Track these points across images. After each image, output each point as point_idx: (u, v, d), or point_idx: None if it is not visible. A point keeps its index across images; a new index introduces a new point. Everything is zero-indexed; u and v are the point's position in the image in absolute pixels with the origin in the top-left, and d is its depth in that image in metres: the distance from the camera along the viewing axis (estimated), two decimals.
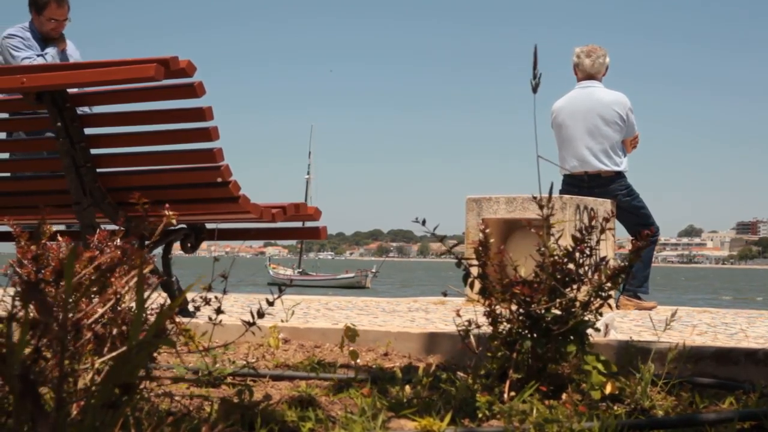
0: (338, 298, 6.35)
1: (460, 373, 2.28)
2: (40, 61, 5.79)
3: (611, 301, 2.20)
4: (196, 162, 3.87)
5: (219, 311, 2.00)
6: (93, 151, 3.92)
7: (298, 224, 4.43)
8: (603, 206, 6.93)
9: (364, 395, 2.35)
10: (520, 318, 2.09)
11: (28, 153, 4.62)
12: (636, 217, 7.06)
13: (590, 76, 7.27)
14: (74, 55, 6.25)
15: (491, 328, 2.20)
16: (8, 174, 4.27)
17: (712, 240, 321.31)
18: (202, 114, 3.74)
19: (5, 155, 4.31)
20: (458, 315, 2.26)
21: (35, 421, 1.18)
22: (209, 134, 3.75)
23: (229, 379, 2.53)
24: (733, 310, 6.31)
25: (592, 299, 2.09)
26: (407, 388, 2.24)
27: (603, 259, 2.12)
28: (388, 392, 2.22)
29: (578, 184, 7.15)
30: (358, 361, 2.96)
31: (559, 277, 2.09)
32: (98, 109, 4.15)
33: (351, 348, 2.82)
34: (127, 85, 3.73)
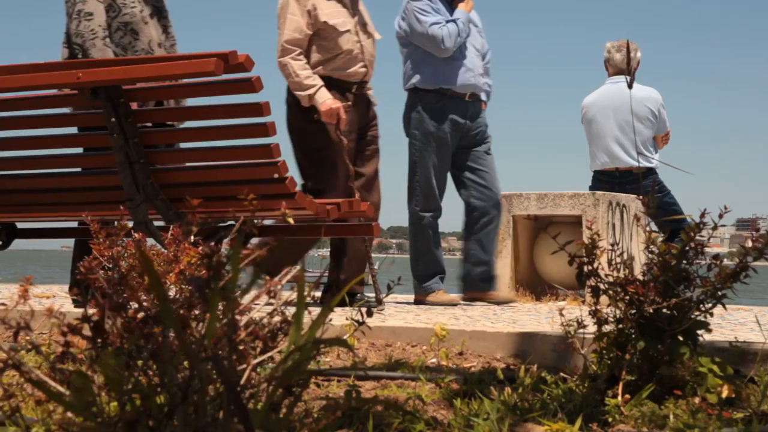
0: (368, 295, 6.29)
1: (561, 374, 2.23)
2: (449, 27, 5.29)
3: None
4: (251, 158, 3.82)
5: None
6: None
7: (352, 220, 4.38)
8: (635, 203, 6.89)
9: (456, 395, 2.30)
10: (631, 318, 2.05)
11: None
12: (667, 214, 7.02)
13: (621, 72, 7.22)
14: (479, 24, 5.67)
15: (596, 328, 2.15)
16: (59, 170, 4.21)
17: (711, 237, 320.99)
18: (260, 109, 3.69)
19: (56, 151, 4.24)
20: (561, 314, 2.21)
21: (235, 412, 1.14)
22: (266, 130, 3.70)
23: (312, 378, 2.49)
24: (761, 307, 6.25)
25: (705, 299, 2.05)
26: (507, 389, 2.19)
27: (716, 256, 2.07)
28: (490, 393, 2.17)
29: (609, 180, 7.12)
30: (433, 360, 2.92)
31: (671, 275, 2.05)
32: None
33: (441, 348, 2.78)
34: (184, 80, 3.70)
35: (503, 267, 6.92)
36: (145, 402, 1.25)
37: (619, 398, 1.96)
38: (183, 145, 4.06)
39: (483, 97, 5.61)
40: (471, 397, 2.22)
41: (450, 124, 5.41)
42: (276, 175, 3.74)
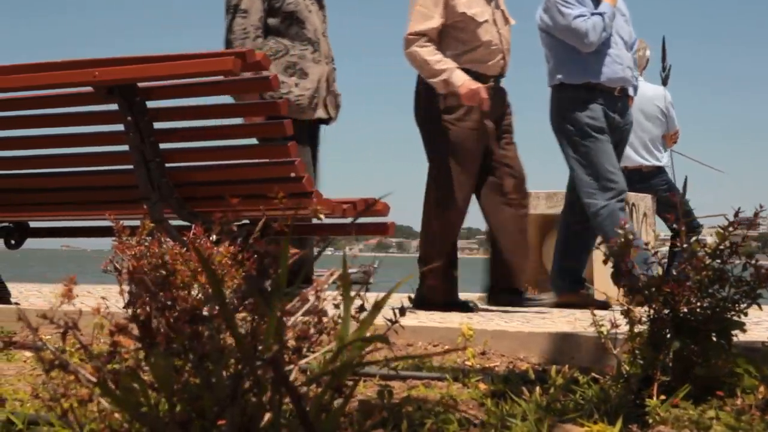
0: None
1: (593, 375, 2.22)
2: (594, 20, 4.95)
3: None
4: (268, 157, 3.82)
5: (362, 309, 1.93)
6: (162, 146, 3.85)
7: (366, 219, 4.37)
8: (644, 201, 6.88)
9: (485, 396, 2.29)
10: (666, 318, 2.03)
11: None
12: (676, 213, 7.00)
13: None
14: (626, 12, 5.32)
15: (629, 327, 2.14)
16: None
17: (711, 235, 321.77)
18: (277, 107, 3.68)
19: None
20: (593, 314, 2.20)
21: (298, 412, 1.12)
22: (283, 128, 3.69)
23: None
24: None
25: (741, 299, 2.03)
26: (538, 390, 2.17)
27: (750, 255, 2.06)
28: (521, 393, 2.15)
29: None
30: (457, 359, 2.91)
31: (704, 274, 2.03)
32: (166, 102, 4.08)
33: (468, 347, 2.76)
34: (200, 78, 3.68)
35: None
36: (196, 402, 1.23)
37: (654, 399, 1.94)
38: (200, 144, 4.04)
39: (630, 92, 5.29)
40: (501, 397, 2.20)
41: (603, 116, 5.08)
42: (293, 174, 3.72)
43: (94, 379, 1.26)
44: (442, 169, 4.67)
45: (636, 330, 2.13)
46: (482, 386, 2.41)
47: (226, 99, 3.84)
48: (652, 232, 7.11)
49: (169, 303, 1.35)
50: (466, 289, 5.73)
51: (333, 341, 1.49)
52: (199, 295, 1.61)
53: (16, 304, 4.54)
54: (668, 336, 2.05)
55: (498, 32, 4.75)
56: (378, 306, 1.36)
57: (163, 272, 1.39)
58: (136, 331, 1.31)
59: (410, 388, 2.43)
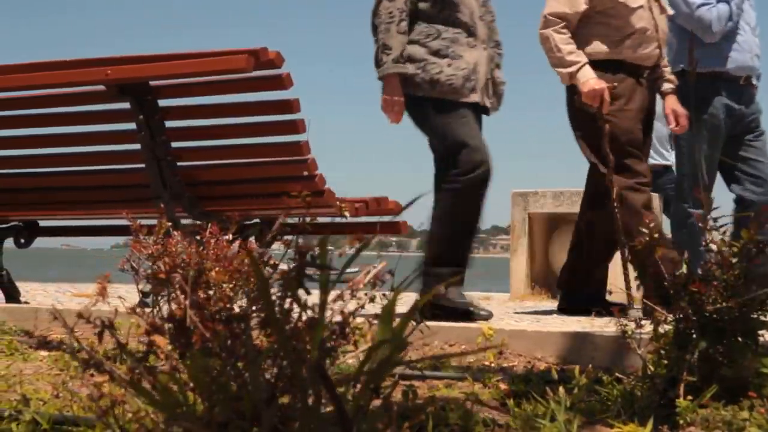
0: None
1: (617, 375, 2.20)
2: (720, 9, 4.76)
3: None
4: (281, 155, 3.80)
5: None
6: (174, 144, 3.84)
7: (376, 218, 4.35)
8: (653, 200, 6.86)
9: (506, 395, 2.28)
10: (693, 318, 2.02)
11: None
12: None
13: None
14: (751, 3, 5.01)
15: (653, 327, 2.12)
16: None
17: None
18: (290, 106, 3.67)
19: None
20: (617, 314, 2.18)
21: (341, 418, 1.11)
22: (296, 127, 3.68)
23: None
24: None
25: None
26: (561, 390, 2.16)
27: None
28: (544, 393, 2.14)
29: None
30: (471, 359, 2.90)
31: (731, 273, 2.02)
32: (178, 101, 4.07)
33: (488, 348, 2.75)
34: (212, 77, 3.67)
35: (519, 265, 6.89)
36: (235, 403, 1.22)
37: (681, 399, 1.92)
38: (211, 142, 4.03)
39: (754, 81, 5.05)
40: (523, 397, 2.19)
41: (724, 111, 4.92)
42: (305, 173, 3.71)
43: (128, 379, 1.25)
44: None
45: (661, 330, 2.11)
46: (502, 386, 2.40)
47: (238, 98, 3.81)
48: None
49: (203, 302, 1.33)
50: (465, 288, 5.63)
51: (366, 342, 1.47)
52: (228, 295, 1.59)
53: (26, 302, 4.53)
54: (694, 336, 2.03)
55: (653, 20, 4.46)
56: (415, 307, 1.35)
57: (193, 271, 1.37)
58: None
59: (431, 388, 2.42)
